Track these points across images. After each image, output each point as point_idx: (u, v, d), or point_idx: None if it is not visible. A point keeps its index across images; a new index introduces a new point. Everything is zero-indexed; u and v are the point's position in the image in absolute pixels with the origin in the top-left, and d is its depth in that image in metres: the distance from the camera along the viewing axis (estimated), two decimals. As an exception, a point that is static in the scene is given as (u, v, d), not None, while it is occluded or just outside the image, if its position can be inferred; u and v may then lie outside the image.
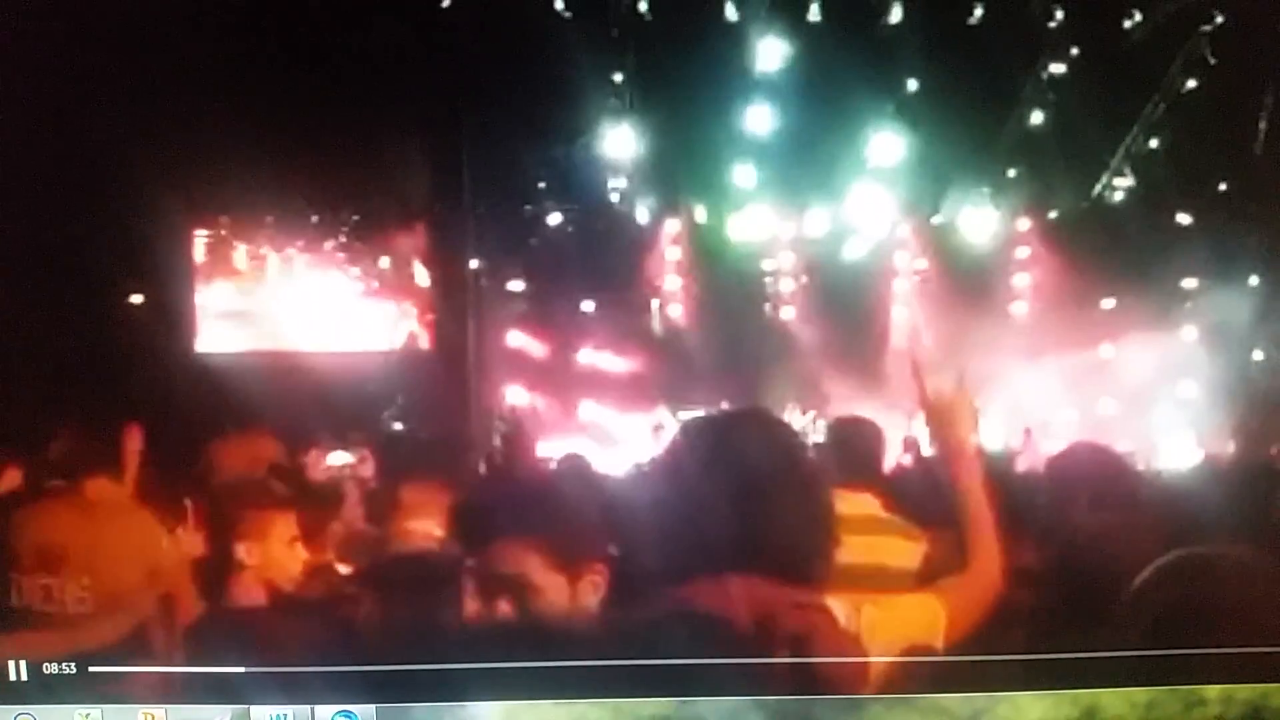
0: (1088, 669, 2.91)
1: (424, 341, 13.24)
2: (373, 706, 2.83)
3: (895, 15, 12.55)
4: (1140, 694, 2.95)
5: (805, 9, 12.40)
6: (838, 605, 2.83)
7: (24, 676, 1.71)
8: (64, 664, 1.70)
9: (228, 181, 12.28)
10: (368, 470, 10.10)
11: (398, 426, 12.09)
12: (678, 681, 2.80)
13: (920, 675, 2.94)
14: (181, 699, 2.19)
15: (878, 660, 2.88)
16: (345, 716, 2.91)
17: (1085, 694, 2.95)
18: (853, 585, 3.05)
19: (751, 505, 2.77)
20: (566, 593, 2.89)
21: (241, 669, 2.39)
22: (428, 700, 2.86)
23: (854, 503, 4.28)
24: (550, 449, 13.17)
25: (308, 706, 2.72)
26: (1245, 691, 2.92)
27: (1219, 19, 13.24)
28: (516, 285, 14.54)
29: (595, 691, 2.84)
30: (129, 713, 2.24)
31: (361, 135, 11.99)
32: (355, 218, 13.15)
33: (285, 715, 2.79)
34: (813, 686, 2.80)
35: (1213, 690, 2.91)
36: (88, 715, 2.04)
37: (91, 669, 1.74)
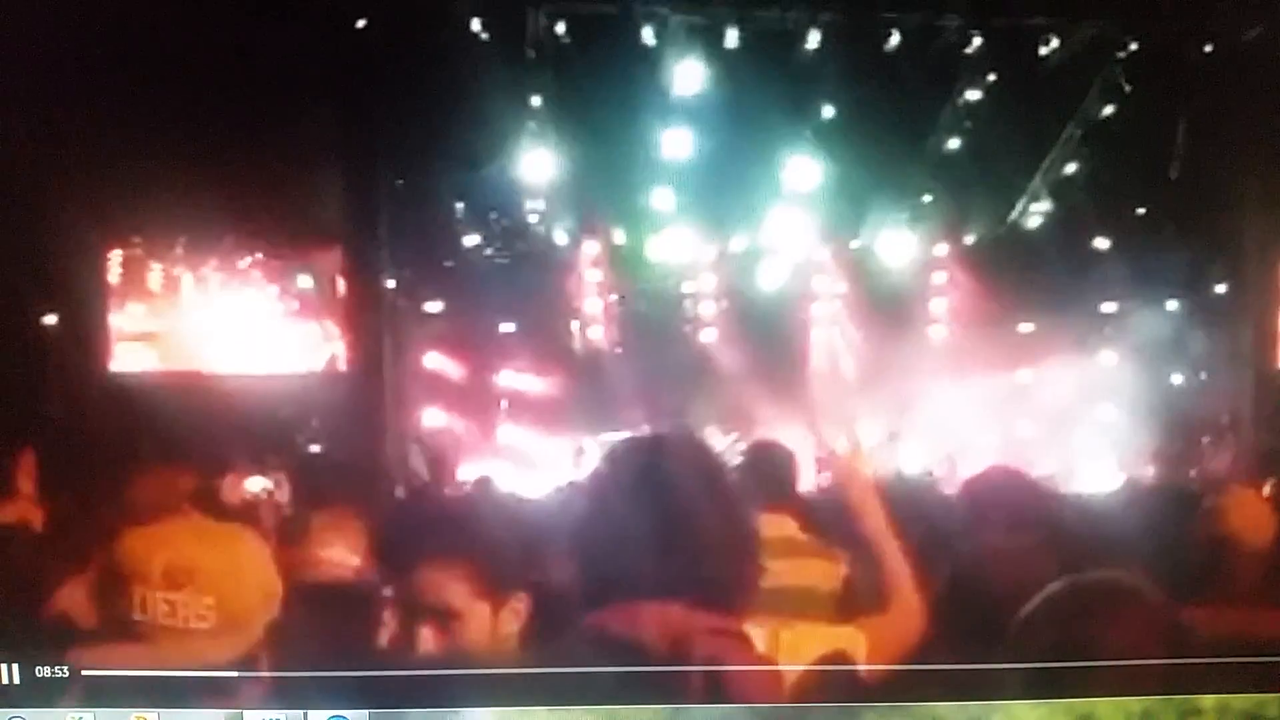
0: (1084, 678, 2.97)
1: (340, 364, 13.27)
2: (366, 711, 2.88)
3: (812, 41, 12.77)
4: (1135, 703, 2.98)
5: (722, 35, 12.58)
6: (755, 630, 2.94)
7: (15, 679, 1.79)
8: (56, 667, 1.79)
9: (140, 201, 12.29)
10: (283, 495, 10.20)
11: (313, 449, 12.15)
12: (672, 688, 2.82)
13: (911, 683, 3.02)
14: (175, 702, 2.22)
15: (873, 668, 2.99)
16: (339, 720, 3.01)
17: (1080, 702, 2.97)
18: (773, 609, 3.21)
19: (672, 530, 2.83)
20: (488, 620, 2.95)
21: (235, 673, 2.44)
22: (422, 706, 2.90)
23: (772, 525, 4.37)
24: (468, 472, 13.28)
25: (301, 711, 2.80)
26: (1241, 701, 3.02)
27: (1133, 46, 13.57)
28: (434, 306, 14.59)
29: (589, 699, 2.89)
30: (121, 716, 2.29)
31: (276, 155, 12.03)
32: (270, 238, 13.18)
33: (279, 719, 2.88)
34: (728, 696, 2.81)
35: (1208, 700, 3.01)
36: (80, 718, 2.11)
37: (84, 671, 1.84)
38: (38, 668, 1.80)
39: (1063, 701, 2.93)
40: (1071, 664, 2.96)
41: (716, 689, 2.56)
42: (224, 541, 2.29)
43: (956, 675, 3.07)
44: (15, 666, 1.79)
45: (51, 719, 2.09)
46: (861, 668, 3.06)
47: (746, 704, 2.71)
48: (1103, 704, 2.95)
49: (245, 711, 2.58)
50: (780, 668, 2.90)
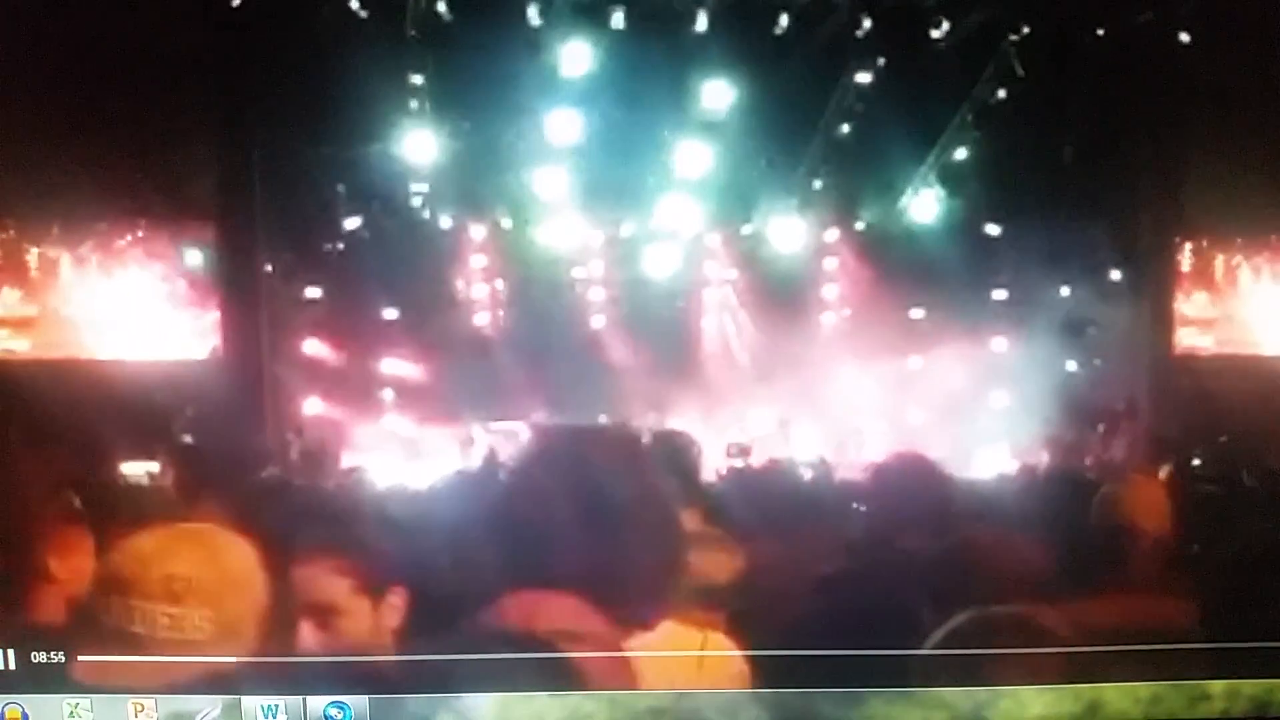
0: (1091, 663, 3.03)
1: (215, 350, 13.25)
2: (365, 697, 2.90)
3: (701, 23, 12.95)
4: (1144, 689, 3.06)
5: (609, 15, 12.70)
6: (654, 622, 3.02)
7: (12, 665, 1.77)
8: (52, 653, 1.77)
9: (10, 183, 12.27)
10: (165, 481, 10.31)
11: (187, 439, 12.16)
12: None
13: (919, 668, 3.10)
14: (171, 689, 2.25)
15: (880, 653, 3.05)
16: (338, 707, 3.06)
17: (1088, 689, 2.99)
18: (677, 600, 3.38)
19: (585, 523, 2.93)
20: (368, 614, 2.99)
21: (233, 659, 2.46)
22: (420, 692, 2.91)
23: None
24: (349, 462, 13.36)
25: (299, 697, 2.84)
26: (1251, 687, 3.10)
27: (1026, 29, 13.85)
28: (313, 292, 14.64)
29: (593, 684, 2.90)
30: (118, 703, 2.31)
31: (147, 134, 12.05)
32: (140, 221, 13.16)
33: (277, 706, 2.92)
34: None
35: (1217, 685, 3.09)
36: (76, 705, 2.13)
37: (80, 658, 1.82)
38: (33, 654, 1.87)
39: (1071, 688, 2.98)
40: (1074, 649, 3.01)
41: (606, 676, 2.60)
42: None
43: (957, 660, 3.06)
44: (11, 653, 1.85)
45: (48, 706, 2.09)
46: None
47: (751, 689, 2.69)
48: (1110, 689, 3.05)
49: (243, 697, 2.61)
50: (668, 654, 2.83)
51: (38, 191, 12.40)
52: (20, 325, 13.18)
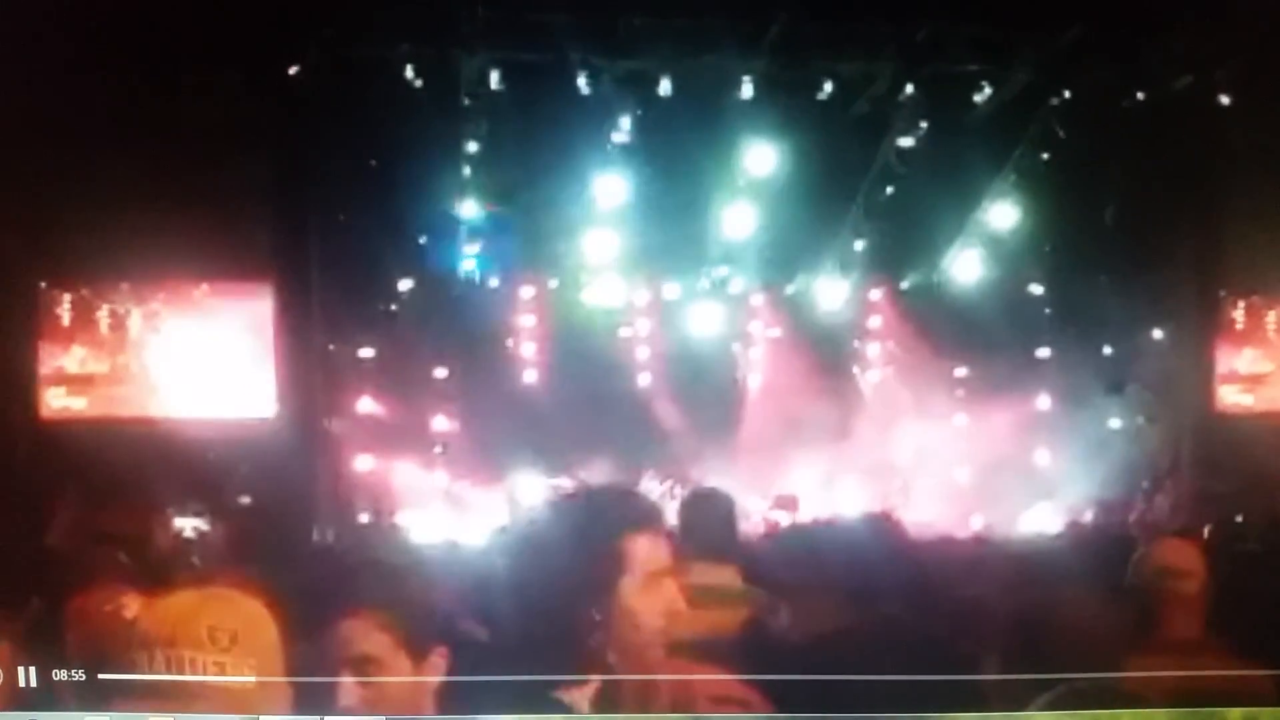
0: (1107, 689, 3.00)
1: (273, 409, 13.36)
2: (384, 718, 2.95)
3: (747, 91, 13.14)
4: (1163, 715, 2.98)
5: (657, 83, 12.89)
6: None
7: (33, 683, 1.73)
8: (73, 671, 1.76)
9: (78, 246, 12.50)
10: (217, 539, 10.44)
11: (244, 499, 12.30)
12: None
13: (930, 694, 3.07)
14: (192, 707, 2.31)
15: (894, 679, 2.98)
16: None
17: (1105, 714, 2.92)
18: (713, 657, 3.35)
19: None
20: (408, 670, 2.99)
21: (253, 678, 2.50)
22: (439, 713, 2.95)
23: (714, 574, 4.39)
24: (403, 519, 13.46)
25: (318, 717, 2.90)
26: (1269, 716, 3.12)
27: (1067, 93, 13.98)
28: (367, 352, 14.87)
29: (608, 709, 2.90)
30: None
31: (211, 200, 12.30)
32: (204, 285, 13.35)
33: None
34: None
35: (1235, 713, 3.10)
36: None
37: (101, 676, 1.79)
38: (54, 671, 1.90)
39: (1087, 713, 2.87)
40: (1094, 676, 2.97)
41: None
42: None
43: (981, 686, 3.07)
44: (33, 670, 1.88)
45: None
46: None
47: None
48: (1125, 714, 2.94)
49: (262, 717, 2.67)
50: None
51: (104, 255, 12.66)
52: (83, 383, 13.37)
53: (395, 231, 14.42)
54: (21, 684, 2.06)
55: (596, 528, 2.63)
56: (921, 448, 15.00)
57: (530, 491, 14.69)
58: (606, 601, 2.54)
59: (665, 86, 12.94)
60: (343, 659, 2.87)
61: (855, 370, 16.31)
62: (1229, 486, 13.21)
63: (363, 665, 2.89)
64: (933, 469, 14.94)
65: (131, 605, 3.62)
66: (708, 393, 15.37)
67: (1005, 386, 15.42)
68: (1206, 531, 8.03)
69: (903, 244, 14.94)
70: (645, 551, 2.56)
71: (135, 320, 13.33)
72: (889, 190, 14.37)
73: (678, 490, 14.04)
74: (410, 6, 12.54)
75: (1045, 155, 14.56)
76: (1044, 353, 16.11)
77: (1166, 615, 3.90)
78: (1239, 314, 15.17)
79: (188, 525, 11.46)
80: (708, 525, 4.75)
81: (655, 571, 2.53)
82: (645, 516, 2.72)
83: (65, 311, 13.28)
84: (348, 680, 2.78)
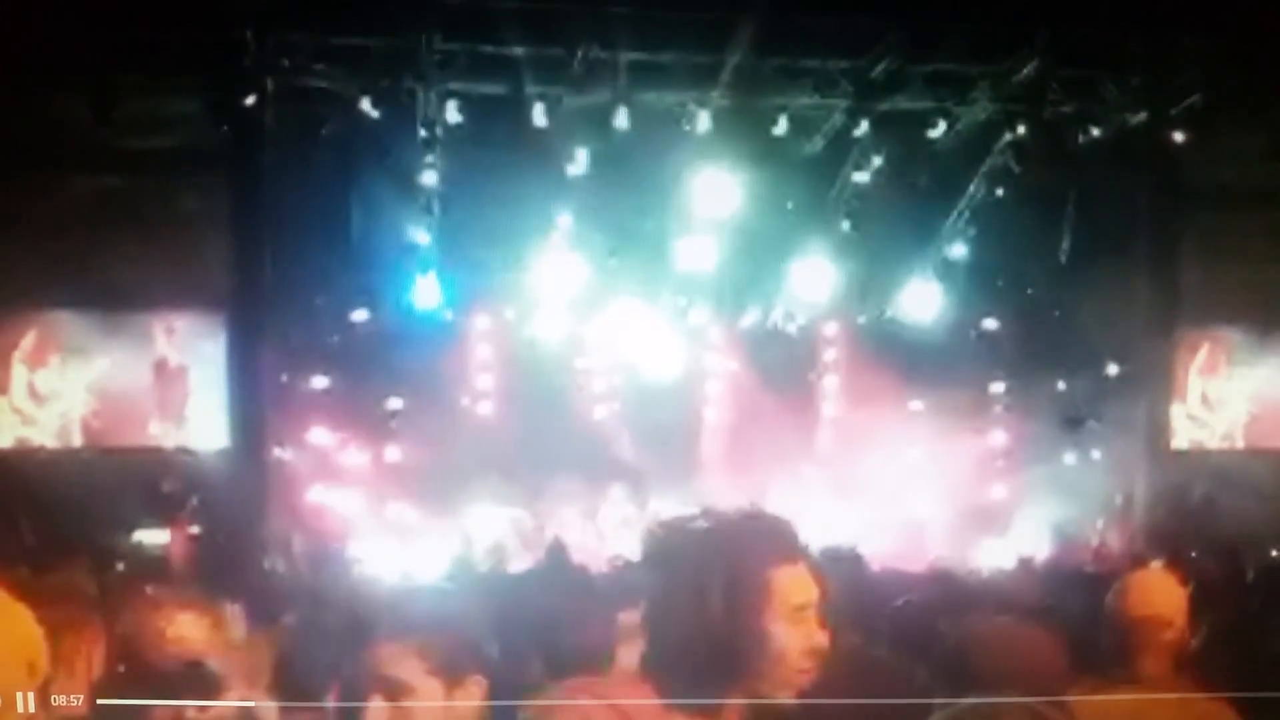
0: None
1: (225, 439, 13.35)
2: None
3: (703, 124, 13.32)
4: None
5: (613, 116, 13.01)
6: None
7: (31, 709, 1.68)
8: (71, 697, 1.70)
9: (31, 276, 12.52)
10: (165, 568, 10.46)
11: (194, 529, 12.30)
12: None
13: None
14: None
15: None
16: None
17: None
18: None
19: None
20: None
21: (251, 703, 2.46)
22: None
23: None
24: (355, 549, 13.44)
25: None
26: None
27: (1021, 129, 14.11)
28: (320, 382, 14.91)
29: None
30: None
31: (163, 229, 12.38)
32: (157, 315, 13.37)
33: None
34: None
35: None
36: None
37: (99, 701, 1.74)
38: (53, 698, 1.77)
39: None
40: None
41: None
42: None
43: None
44: (30, 695, 1.77)
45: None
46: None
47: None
48: None
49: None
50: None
51: (56, 285, 12.68)
52: (36, 412, 13.38)
53: (350, 262, 14.46)
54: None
55: (744, 557, 2.53)
56: (877, 481, 15.03)
57: (484, 522, 14.75)
58: (751, 634, 2.44)
59: (621, 119, 13.05)
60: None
61: (810, 403, 16.37)
62: (1183, 521, 13.42)
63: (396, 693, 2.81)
64: (888, 503, 14.99)
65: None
66: (664, 424, 15.40)
67: (960, 420, 15.50)
68: (1158, 566, 8.11)
69: (858, 278, 14.97)
70: (791, 583, 2.50)
71: (85, 351, 13.35)
72: (844, 225, 14.47)
73: (635, 520, 14.17)
74: (368, 39, 12.65)
75: (1000, 191, 14.72)
76: (998, 387, 16.24)
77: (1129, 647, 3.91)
78: (1193, 348, 15.38)
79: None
80: (667, 555, 4.73)
81: (800, 604, 2.48)
82: (791, 546, 2.63)
83: (16, 341, 13.30)
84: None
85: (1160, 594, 4.09)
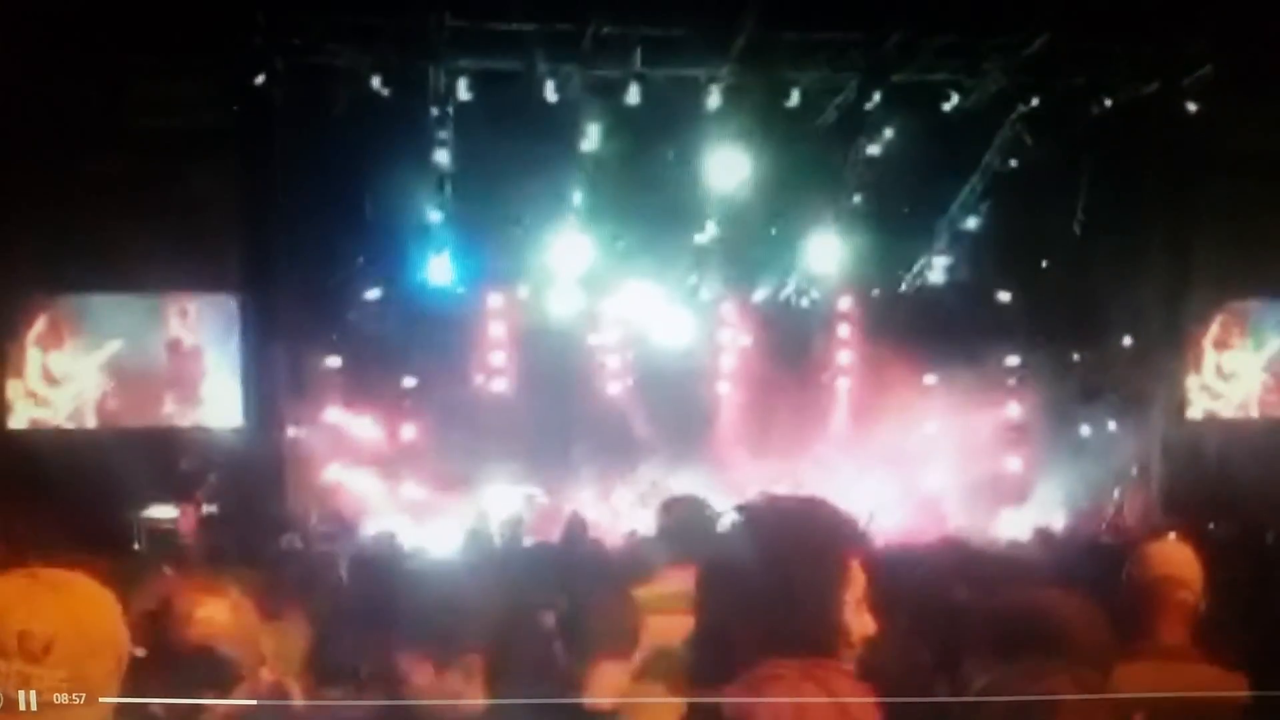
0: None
1: (240, 418, 13.36)
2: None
3: (714, 99, 13.26)
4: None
5: (624, 91, 12.98)
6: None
7: (33, 707, 1.68)
8: (73, 695, 1.69)
9: (44, 259, 12.54)
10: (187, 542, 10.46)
11: (210, 508, 12.32)
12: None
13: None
14: None
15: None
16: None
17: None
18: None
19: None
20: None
21: (254, 701, 2.45)
22: None
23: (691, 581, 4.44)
24: (369, 527, 13.44)
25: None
26: None
27: (1035, 101, 14.12)
28: (334, 361, 14.94)
29: None
30: None
31: (178, 212, 12.34)
32: (171, 295, 13.37)
33: None
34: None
35: None
36: None
37: (101, 700, 1.73)
38: (55, 696, 1.75)
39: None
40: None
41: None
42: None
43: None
44: (32, 694, 1.75)
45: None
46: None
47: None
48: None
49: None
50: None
51: (70, 267, 12.69)
52: (51, 394, 13.38)
53: (363, 241, 14.55)
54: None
55: (828, 541, 2.42)
56: (892, 455, 15.03)
57: (499, 499, 14.77)
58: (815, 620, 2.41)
59: (633, 94, 13.01)
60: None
61: (825, 377, 16.38)
62: (1199, 491, 13.37)
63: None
64: (904, 476, 14.99)
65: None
66: (678, 399, 15.44)
67: (975, 393, 15.48)
68: (1173, 536, 8.07)
69: (871, 252, 14.94)
70: (856, 574, 2.48)
71: (101, 331, 13.35)
72: (857, 198, 14.47)
73: (650, 498, 14.15)
74: (378, 16, 12.62)
75: (1013, 163, 14.70)
76: (1013, 360, 16.21)
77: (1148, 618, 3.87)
78: (1208, 319, 15.31)
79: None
80: (682, 531, 4.69)
81: (858, 594, 2.46)
82: (858, 535, 2.59)
83: (31, 325, 13.31)
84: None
85: (1177, 558, 4.06)
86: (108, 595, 2.18)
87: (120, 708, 2.07)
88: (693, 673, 2.50)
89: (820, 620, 2.39)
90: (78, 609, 2.10)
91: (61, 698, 1.98)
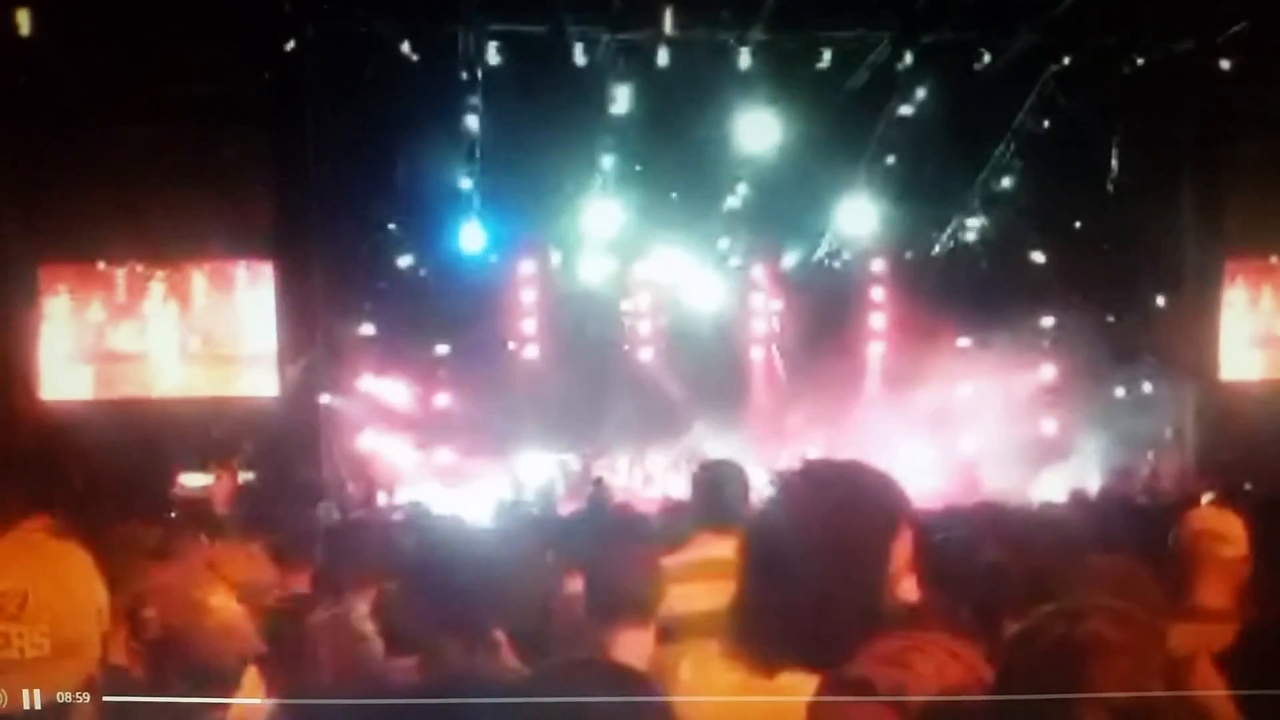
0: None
1: (274, 387, 13.38)
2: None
3: (745, 61, 13.10)
4: None
5: (654, 54, 12.87)
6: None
7: (37, 706, 1.67)
8: (77, 694, 1.67)
9: (78, 227, 12.55)
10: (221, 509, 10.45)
11: (245, 476, 12.33)
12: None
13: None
14: None
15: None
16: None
17: None
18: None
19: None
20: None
21: (259, 700, 2.43)
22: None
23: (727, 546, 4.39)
24: (404, 495, 13.46)
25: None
26: None
27: (1067, 60, 13.96)
28: (367, 328, 14.94)
29: None
30: None
31: (208, 176, 12.35)
32: (205, 264, 13.39)
33: None
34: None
35: None
36: None
37: (105, 699, 1.71)
38: (58, 695, 1.73)
39: None
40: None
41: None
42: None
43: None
44: (36, 693, 1.74)
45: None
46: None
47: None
48: None
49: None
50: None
51: (105, 235, 12.69)
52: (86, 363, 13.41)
53: (395, 208, 14.51)
54: None
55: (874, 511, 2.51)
56: (926, 418, 14.99)
57: (532, 465, 14.80)
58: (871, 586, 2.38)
59: (663, 57, 12.89)
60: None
61: (857, 341, 16.28)
62: (1234, 453, 13.27)
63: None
64: (938, 439, 14.96)
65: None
66: (710, 364, 15.39)
67: (1009, 355, 15.38)
68: (1207, 499, 8.01)
69: (904, 214, 14.86)
70: (906, 540, 2.43)
71: (135, 300, 13.37)
72: (889, 160, 14.33)
73: (685, 463, 14.14)
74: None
75: (1046, 122, 14.51)
76: (1047, 321, 16.09)
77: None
78: (1243, 279, 15.17)
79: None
80: (719, 497, 4.64)
81: (907, 559, 2.42)
82: (905, 503, 2.54)
83: (65, 293, 13.34)
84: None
85: (1219, 517, 4.04)
86: (80, 551, 2.14)
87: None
88: (743, 640, 2.43)
89: (876, 587, 2.35)
90: (50, 564, 2.07)
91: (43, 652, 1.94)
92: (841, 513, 2.41)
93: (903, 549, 2.41)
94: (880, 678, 2.01)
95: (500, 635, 2.82)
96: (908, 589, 2.41)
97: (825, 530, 2.38)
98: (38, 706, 1.83)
